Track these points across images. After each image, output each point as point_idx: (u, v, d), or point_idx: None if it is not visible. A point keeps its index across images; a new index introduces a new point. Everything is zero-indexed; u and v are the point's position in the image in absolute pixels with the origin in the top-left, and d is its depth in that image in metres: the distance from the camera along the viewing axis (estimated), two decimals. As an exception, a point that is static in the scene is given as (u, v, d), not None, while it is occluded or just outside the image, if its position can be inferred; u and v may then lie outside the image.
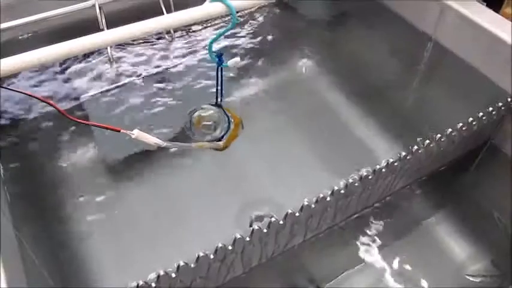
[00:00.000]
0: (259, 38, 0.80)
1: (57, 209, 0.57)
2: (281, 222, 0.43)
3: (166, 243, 0.54)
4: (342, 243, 0.60)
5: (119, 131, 0.48)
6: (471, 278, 0.61)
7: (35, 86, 0.67)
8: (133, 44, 0.75)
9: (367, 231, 0.62)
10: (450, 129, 0.52)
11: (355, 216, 0.56)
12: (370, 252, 0.62)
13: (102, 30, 0.61)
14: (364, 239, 0.62)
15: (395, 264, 0.60)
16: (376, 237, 0.62)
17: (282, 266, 0.52)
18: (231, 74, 0.75)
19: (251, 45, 0.79)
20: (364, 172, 0.48)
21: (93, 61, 0.71)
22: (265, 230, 0.43)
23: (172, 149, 0.60)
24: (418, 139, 0.51)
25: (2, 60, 0.43)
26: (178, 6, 0.61)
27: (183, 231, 0.55)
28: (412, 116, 0.70)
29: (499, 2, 1.24)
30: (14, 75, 0.64)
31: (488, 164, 0.64)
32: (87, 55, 0.71)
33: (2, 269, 0.36)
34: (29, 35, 0.64)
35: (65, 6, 0.61)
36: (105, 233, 0.55)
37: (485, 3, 0.63)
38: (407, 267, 0.60)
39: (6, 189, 0.50)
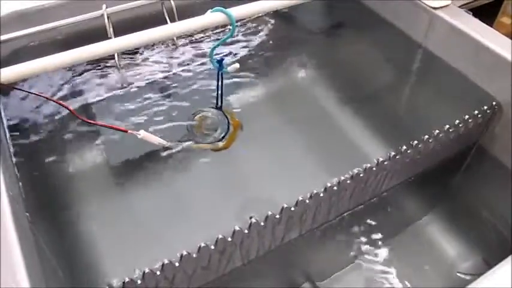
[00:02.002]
0: (258, 46, 0.82)
1: (66, 207, 0.59)
2: (277, 216, 0.46)
3: (170, 237, 0.56)
4: (336, 241, 0.62)
5: (126, 132, 0.51)
6: (462, 276, 0.63)
7: (47, 89, 0.69)
8: (139, 51, 0.77)
9: (361, 230, 0.64)
10: (438, 131, 0.55)
11: (349, 213, 0.58)
12: (363, 250, 0.64)
13: (110, 38, 0.63)
14: (357, 237, 0.64)
15: (388, 261, 0.62)
16: (369, 235, 0.64)
17: (279, 260, 0.54)
18: (231, 79, 0.77)
19: (250, 52, 0.81)
20: (355, 170, 0.50)
21: (102, 67, 0.74)
22: (262, 223, 0.45)
23: (175, 149, 0.63)
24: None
25: (14, 66, 0.45)
26: (182, 16, 0.63)
27: (185, 226, 0.57)
28: (402, 119, 0.72)
29: (494, 12, 1.28)
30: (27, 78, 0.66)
31: (477, 165, 0.66)
32: (95, 61, 0.73)
33: (24, 265, 0.37)
34: (41, 42, 0.66)
35: (76, 15, 0.64)
36: (111, 228, 0.57)
37: (471, 13, 0.65)
38: (400, 264, 0.62)
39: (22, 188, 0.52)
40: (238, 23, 0.83)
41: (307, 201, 0.47)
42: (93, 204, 0.59)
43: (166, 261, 0.41)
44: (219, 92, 0.63)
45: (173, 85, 0.74)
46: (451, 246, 0.65)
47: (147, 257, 0.47)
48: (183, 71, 0.76)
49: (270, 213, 0.45)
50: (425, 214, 0.68)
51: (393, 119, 0.73)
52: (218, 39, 0.66)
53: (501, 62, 0.58)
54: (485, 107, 0.58)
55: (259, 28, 0.85)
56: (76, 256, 0.54)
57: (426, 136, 0.54)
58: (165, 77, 0.75)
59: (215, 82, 0.62)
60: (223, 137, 0.62)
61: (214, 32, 0.82)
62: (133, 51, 0.76)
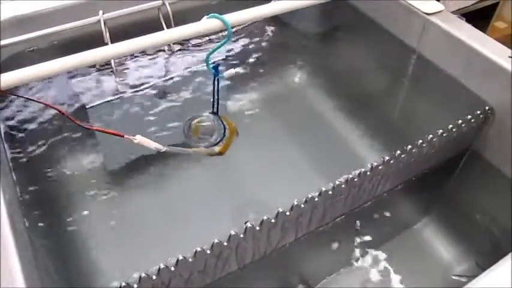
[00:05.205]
0: (254, 51, 0.82)
1: (62, 211, 0.60)
2: (272, 220, 0.46)
3: (166, 241, 0.56)
4: (331, 244, 0.62)
5: (123, 137, 0.51)
6: (457, 278, 0.63)
7: (44, 95, 0.69)
8: (135, 57, 0.77)
9: (356, 233, 0.64)
10: (431, 136, 0.55)
11: (344, 217, 0.59)
12: (358, 253, 0.64)
13: (107, 44, 0.63)
14: (352, 241, 0.64)
15: (383, 264, 0.63)
16: (364, 239, 0.64)
17: (274, 264, 0.54)
18: (228, 84, 0.78)
19: (246, 58, 0.82)
20: (350, 175, 0.51)
21: (98, 73, 0.74)
22: (257, 228, 0.46)
23: (171, 154, 0.63)
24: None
25: (11, 72, 0.45)
26: (178, 22, 0.64)
27: (181, 230, 0.58)
28: (396, 124, 0.73)
29: (487, 18, 1.29)
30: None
31: (470, 169, 0.67)
32: (92, 66, 0.73)
33: (21, 268, 0.37)
34: (38, 48, 0.67)
35: (73, 21, 0.64)
36: (107, 233, 0.58)
37: (464, 19, 0.66)
38: (395, 267, 0.62)
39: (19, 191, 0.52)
40: (240, 27, 0.84)
41: (302, 205, 0.48)
42: (90, 208, 0.60)
43: (162, 266, 0.41)
44: (215, 97, 0.63)
45: (169, 90, 0.75)
46: (446, 250, 0.66)
47: (143, 261, 0.48)
48: (179, 76, 0.77)
49: (265, 217, 0.45)
50: (420, 218, 0.68)
51: (387, 123, 0.74)
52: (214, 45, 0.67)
53: (493, 67, 0.59)
54: (478, 112, 0.59)
55: (256, 33, 0.85)
56: (72, 260, 0.55)
57: (420, 141, 0.54)
58: (161, 82, 0.76)
59: (211, 87, 0.62)
60: (219, 142, 0.63)
61: (211, 37, 0.82)
62: (130, 57, 0.76)
